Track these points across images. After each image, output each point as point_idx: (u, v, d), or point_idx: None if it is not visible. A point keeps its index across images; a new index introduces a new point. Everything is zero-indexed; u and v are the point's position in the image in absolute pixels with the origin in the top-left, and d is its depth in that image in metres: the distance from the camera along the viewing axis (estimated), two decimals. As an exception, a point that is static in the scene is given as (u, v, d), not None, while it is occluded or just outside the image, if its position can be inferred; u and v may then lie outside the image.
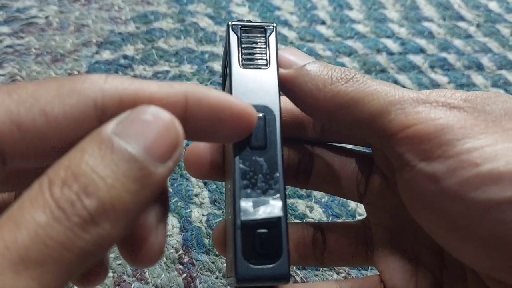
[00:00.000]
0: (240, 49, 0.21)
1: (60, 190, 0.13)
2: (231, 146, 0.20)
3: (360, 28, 0.48)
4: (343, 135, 0.25)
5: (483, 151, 0.17)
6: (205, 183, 0.36)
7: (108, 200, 0.13)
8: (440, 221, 0.18)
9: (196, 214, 0.34)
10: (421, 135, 0.18)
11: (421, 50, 0.46)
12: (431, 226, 0.19)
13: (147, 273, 0.31)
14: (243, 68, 0.21)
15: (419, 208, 0.19)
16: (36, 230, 0.12)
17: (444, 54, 0.46)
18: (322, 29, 0.47)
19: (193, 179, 0.36)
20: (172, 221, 0.34)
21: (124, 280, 0.31)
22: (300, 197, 0.35)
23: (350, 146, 0.27)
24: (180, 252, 0.32)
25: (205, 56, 0.44)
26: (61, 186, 0.13)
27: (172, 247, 0.32)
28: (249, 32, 0.21)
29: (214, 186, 0.35)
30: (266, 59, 0.21)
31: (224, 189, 0.36)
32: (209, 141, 0.21)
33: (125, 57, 0.43)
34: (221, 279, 0.31)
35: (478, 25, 0.49)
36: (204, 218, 0.34)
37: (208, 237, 0.33)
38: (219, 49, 0.44)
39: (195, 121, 0.16)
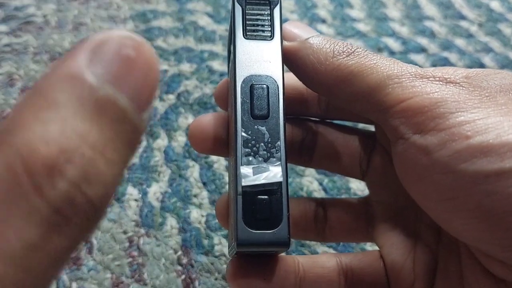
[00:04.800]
0: (244, 20, 0.21)
1: (51, 184, 0.09)
2: (234, 115, 0.20)
3: (361, 27, 0.47)
4: (347, 113, 0.25)
5: (474, 124, 0.17)
6: (204, 184, 0.35)
7: (112, 181, 0.10)
8: (431, 193, 0.19)
9: (195, 214, 0.34)
10: (415, 108, 0.18)
11: (423, 50, 0.46)
12: (423, 198, 0.20)
13: (145, 274, 0.31)
14: (247, 39, 0.21)
15: (412, 181, 0.20)
16: (25, 256, 0.08)
17: (445, 54, 0.46)
18: (322, 28, 0.47)
19: (192, 179, 0.35)
20: (171, 221, 0.33)
21: (122, 281, 0.31)
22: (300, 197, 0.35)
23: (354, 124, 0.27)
24: (179, 253, 0.32)
25: (205, 55, 0.43)
26: (50, 176, 0.09)
27: (171, 248, 0.32)
28: (254, 4, 0.22)
29: (213, 187, 0.35)
30: (270, 31, 0.21)
31: (223, 189, 0.35)
32: None
33: (124, 56, 0.43)
34: (220, 280, 0.31)
35: (479, 25, 0.49)
36: (203, 219, 0.34)
37: (208, 238, 0.33)
38: (218, 48, 0.44)
39: None
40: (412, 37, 0.47)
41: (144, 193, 0.35)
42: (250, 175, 0.19)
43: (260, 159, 0.19)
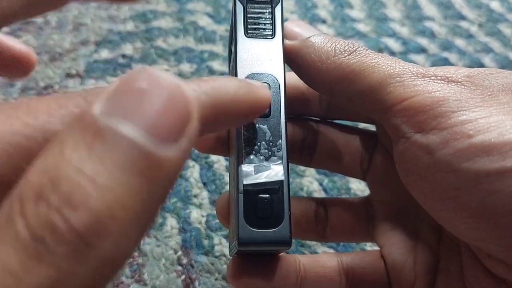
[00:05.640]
0: (246, 19, 0.21)
1: (34, 209, 0.09)
2: None
3: (361, 27, 0.47)
4: (348, 112, 0.25)
5: (476, 123, 0.17)
6: (204, 184, 0.35)
7: (104, 209, 0.09)
8: (432, 192, 0.19)
9: (195, 215, 0.34)
10: (417, 107, 0.18)
11: (423, 50, 0.46)
12: (424, 197, 0.20)
13: (145, 275, 0.31)
14: (249, 37, 0.21)
15: (413, 180, 0.20)
16: (6, 283, 0.08)
17: (445, 54, 0.46)
18: (323, 28, 0.47)
19: (192, 179, 0.35)
20: (171, 222, 0.33)
21: (122, 282, 0.30)
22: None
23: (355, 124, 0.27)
24: (179, 253, 0.32)
25: (205, 55, 0.43)
26: (36, 202, 0.09)
27: (171, 248, 0.32)
28: (255, 3, 0.22)
29: (214, 187, 0.35)
30: (271, 30, 0.21)
31: (223, 190, 0.35)
32: (224, 128, 0.21)
33: (123, 56, 0.43)
34: (220, 280, 0.31)
35: (479, 25, 0.49)
36: (204, 219, 0.33)
37: (208, 238, 0.33)
38: (218, 48, 0.44)
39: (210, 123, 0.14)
40: (412, 37, 0.47)
41: (144, 193, 0.35)
42: (251, 174, 0.19)
43: (262, 157, 0.19)
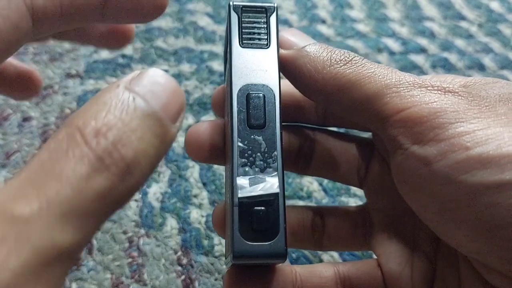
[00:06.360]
0: (240, 29, 0.21)
1: (96, 141, 0.13)
2: (230, 125, 0.20)
3: (361, 27, 0.47)
4: (345, 120, 0.25)
5: (474, 135, 0.17)
6: (204, 184, 0.35)
7: (140, 152, 0.13)
8: (430, 204, 0.19)
9: (195, 215, 0.34)
10: (414, 118, 0.18)
11: (422, 50, 0.46)
12: (422, 209, 0.20)
13: (145, 275, 0.31)
14: (244, 47, 0.21)
15: (411, 191, 0.20)
16: (78, 183, 0.12)
17: (445, 54, 0.46)
18: (322, 28, 0.47)
19: (192, 179, 0.35)
20: (171, 222, 0.33)
21: (122, 282, 0.30)
22: (301, 198, 0.35)
23: (351, 132, 0.27)
24: (179, 253, 0.32)
25: (204, 55, 0.43)
26: (96, 136, 0.13)
27: (171, 248, 0.32)
28: (250, 12, 0.21)
29: (213, 187, 0.35)
30: (266, 39, 0.21)
31: (223, 190, 0.35)
32: (128, 21, 0.23)
33: (123, 56, 0.43)
34: (220, 280, 0.31)
35: (479, 25, 0.49)
36: (203, 219, 0.33)
37: (208, 238, 0.33)
38: (218, 48, 0.44)
39: (114, 3, 0.19)
40: (412, 37, 0.47)
41: (144, 194, 0.35)
42: (246, 186, 0.19)
43: (257, 169, 0.19)
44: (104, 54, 0.43)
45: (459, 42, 0.47)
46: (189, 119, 0.39)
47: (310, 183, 0.36)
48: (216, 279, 0.31)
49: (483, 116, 0.18)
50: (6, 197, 0.12)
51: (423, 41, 0.47)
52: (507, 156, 0.16)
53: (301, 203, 0.35)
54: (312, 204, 0.35)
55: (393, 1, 0.50)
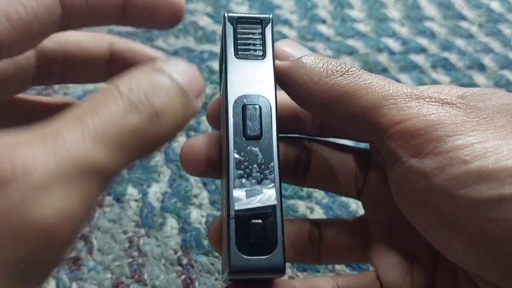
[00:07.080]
0: (235, 40, 0.21)
1: (129, 92, 0.14)
2: (226, 136, 0.20)
3: (361, 27, 0.47)
4: (342, 130, 0.25)
5: (473, 148, 0.17)
6: (204, 184, 0.35)
7: (168, 107, 0.15)
8: (429, 218, 0.18)
9: (195, 215, 0.34)
10: (412, 130, 0.18)
11: (423, 50, 0.46)
12: (421, 222, 0.19)
13: (145, 275, 0.31)
14: (239, 59, 0.21)
15: (409, 205, 0.19)
16: (112, 117, 0.14)
17: (445, 54, 0.46)
18: (322, 28, 0.47)
19: (192, 179, 0.35)
20: (171, 222, 0.33)
21: (122, 282, 0.30)
22: (301, 198, 0.35)
23: (349, 142, 0.27)
24: (179, 253, 0.32)
25: (205, 55, 0.43)
26: (130, 90, 0.15)
27: (171, 248, 0.32)
28: (245, 23, 0.21)
29: (214, 187, 0.35)
30: (262, 50, 0.21)
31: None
32: (147, 27, 0.24)
33: (124, 56, 0.43)
34: (220, 280, 0.31)
35: (479, 25, 0.49)
36: (204, 219, 0.34)
37: (207, 238, 0.33)
38: (218, 48, 0.44)
39: (133, 7, 0.20)
40: (412, 37, 0.47)
41: (144, 194, 0.35)
42: (243, 199, 0.18)
43: (253, 181, 0.19)
44: (104, 54, 0.43)
45: (459, 42, 0.47)
46: (189, 119, 0.39)
47: (310, 183, 0.36)
48: (216, 279, 0.31)
49: (481, 129, 0.17)
50: (50, 128, 0.13)
51: (423, 41, 0.47)
52: (506, 170, 0.16)
53: (301, 203, 0.35)
54: (312, 204, 0.35)
55: (393, 1, 0.50)
